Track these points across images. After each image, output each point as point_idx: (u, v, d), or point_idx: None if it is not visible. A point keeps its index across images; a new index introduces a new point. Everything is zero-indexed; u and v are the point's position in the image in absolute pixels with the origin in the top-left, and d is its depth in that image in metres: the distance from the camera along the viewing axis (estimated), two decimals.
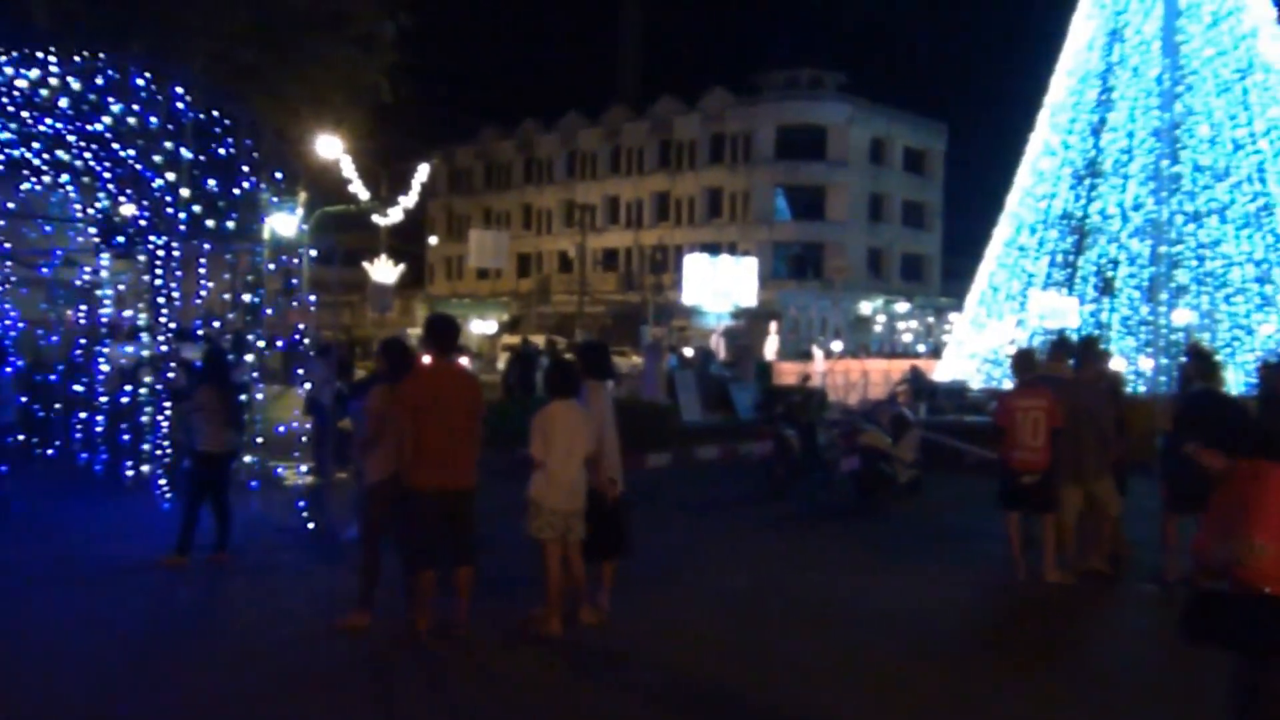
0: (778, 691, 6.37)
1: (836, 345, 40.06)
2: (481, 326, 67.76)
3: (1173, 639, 4.11)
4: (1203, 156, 26.14)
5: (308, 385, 13.12)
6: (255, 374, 12.97)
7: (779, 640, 7.39)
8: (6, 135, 11.75)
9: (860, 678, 6.68)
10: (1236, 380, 24.12)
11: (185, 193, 11.60)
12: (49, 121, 11.37)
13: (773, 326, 38.22)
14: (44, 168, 12.53)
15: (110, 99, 11.12)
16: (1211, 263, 25.94)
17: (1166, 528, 8.97)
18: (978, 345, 29.20)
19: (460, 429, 7.09)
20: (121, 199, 12.33)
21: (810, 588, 8.96)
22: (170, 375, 11.90)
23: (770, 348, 33.99)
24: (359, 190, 31.96)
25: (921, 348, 55.03)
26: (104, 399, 13.09)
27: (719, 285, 26.32)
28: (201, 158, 11.49)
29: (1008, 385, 26.27)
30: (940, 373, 29.00)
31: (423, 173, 36.90)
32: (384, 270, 33.15)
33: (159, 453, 11.85)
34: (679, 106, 65.02)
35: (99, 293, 14.10)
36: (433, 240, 73.00)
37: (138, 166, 11.61)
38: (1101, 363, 10.28)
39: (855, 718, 6.06)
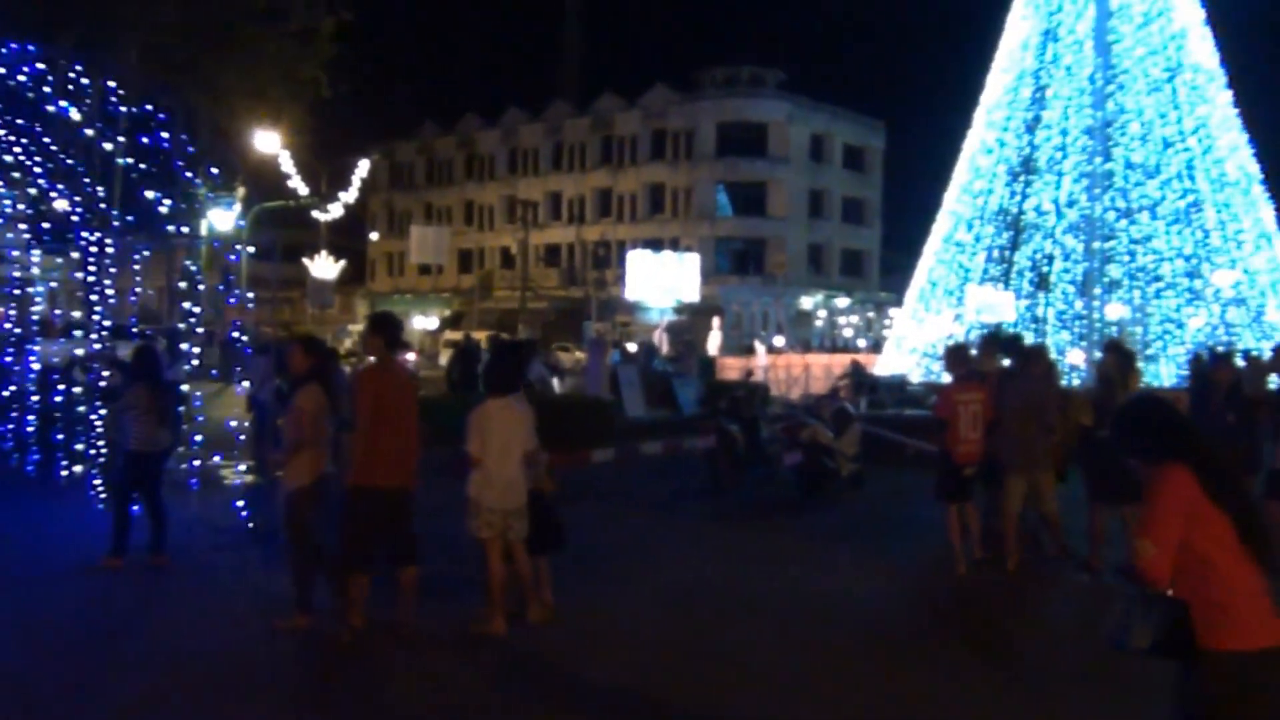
0: (724, 686, 6.40)
1: (779, 340, 40.28)
2: (423, 322, 67.30)
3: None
4: (1134, 154, 26.71)
5: (246, 383, 12.94)
6: (191, 371, 12.75)
7: (724, 634, 7.43)
8: None
9: (806, 670, 6.74)
10: (1168, 373, 24.75)
11: (119, 188, 11.38)
12: None
13: (715, 322, 38.33)
14: None
15: (41, 91, 10.87)
16: (1143, 258, 26.52)
17: (1092, 518, 9.22)
18: (917, 340, 29.58)
19: (409, 428, 7.06)
20: (53, 194, 12.07)
21: (755, 581, 9.02)
22: (104, 374, 11.67)
23: (713, 343, 34.12)
24: (298, 186, 31.59)
25: (862, 342, 55.57)
26: (36, 399, 12.80)
27: (662, 281, 26.36)
28: (135, 152, 11.27)
29: (947, 379, 26.70)
30: (880, 367, 29.33)
31: (363, 168, 36.57)
32: (324, 266, 32.82)
33: (93, 453, 11.61)
34: (620, 103, 65.06)
35: (30, 290, 13.79)
36: (374, 236, 72.33)
37: (70, 161, 11.37)
38: (1047, 360, 10.46)
39: (801, 710, 6.10)
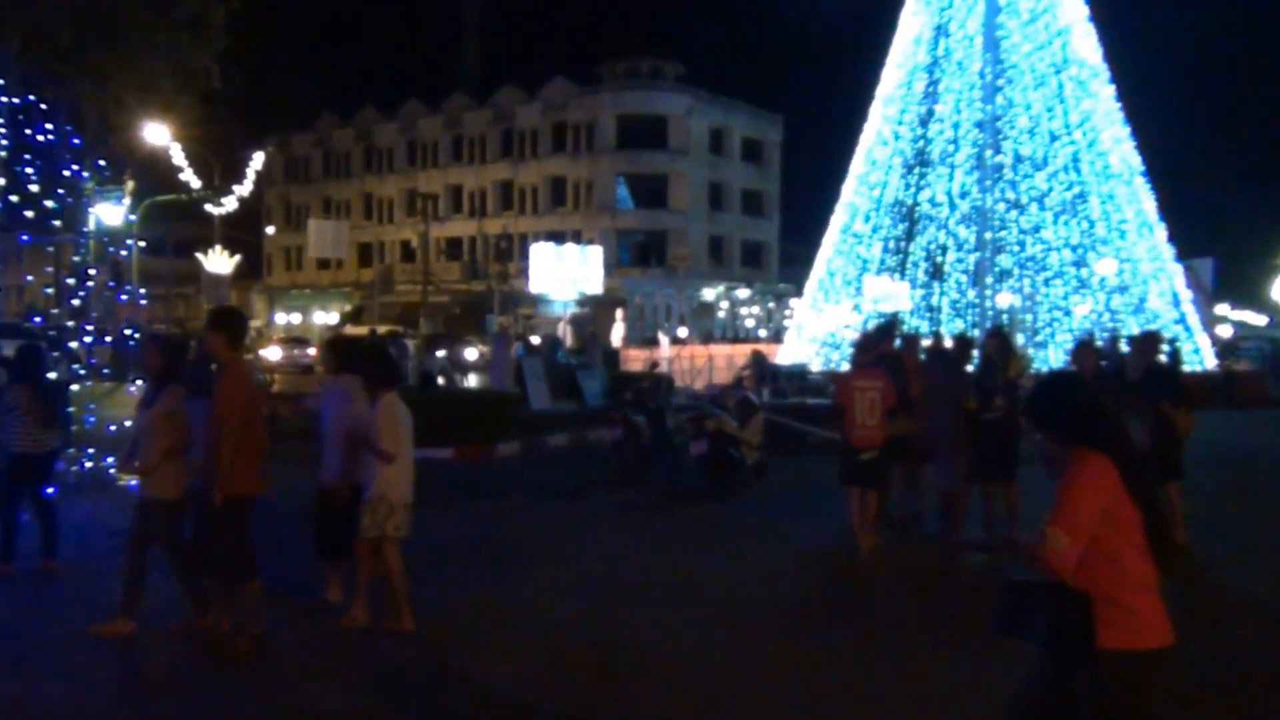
0: (631, 674, 6.45)
1: (682, 331, 40.57)
2: (323, 318, 66.19)
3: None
4: (1023, 147, 27.54)
5: (140, 382, 12.58)
6: (80, 371, 12.36)
7: (633, 624, 7.49)
8: None
9: (703, 652, 6.83)
10: (1057, 359, 25.57)
11: (2, 181, 10.97)
12: None
13: (618, 314, 38.47)
14: None
15: None
16: (1032, 248, 27.37)
17: (985, 500, 9.60)
18: (817, 329, 30.08)
19: (263, 430, 6.87)
20: None
21: (659, 569, 9.10)
22: None
23: (616, 335, 34.22)
24: (190, 179, 30.81)
25: (763, 332, 56.21)
26: None
27: (565, 274, 26.36)
28: (19, 144, 10.88)
29: (846, 368, 27.20)
30: (782, 357, 29.74)
31: (257, 161, 35.80)
32: (219, 261, 32.04)
33: None
34: (521, 96, 64.72)
35: None
36: (270, 230, 70.84)
37: None
38: (968, 350, 10.83)
39: (696, 692, 6.16)
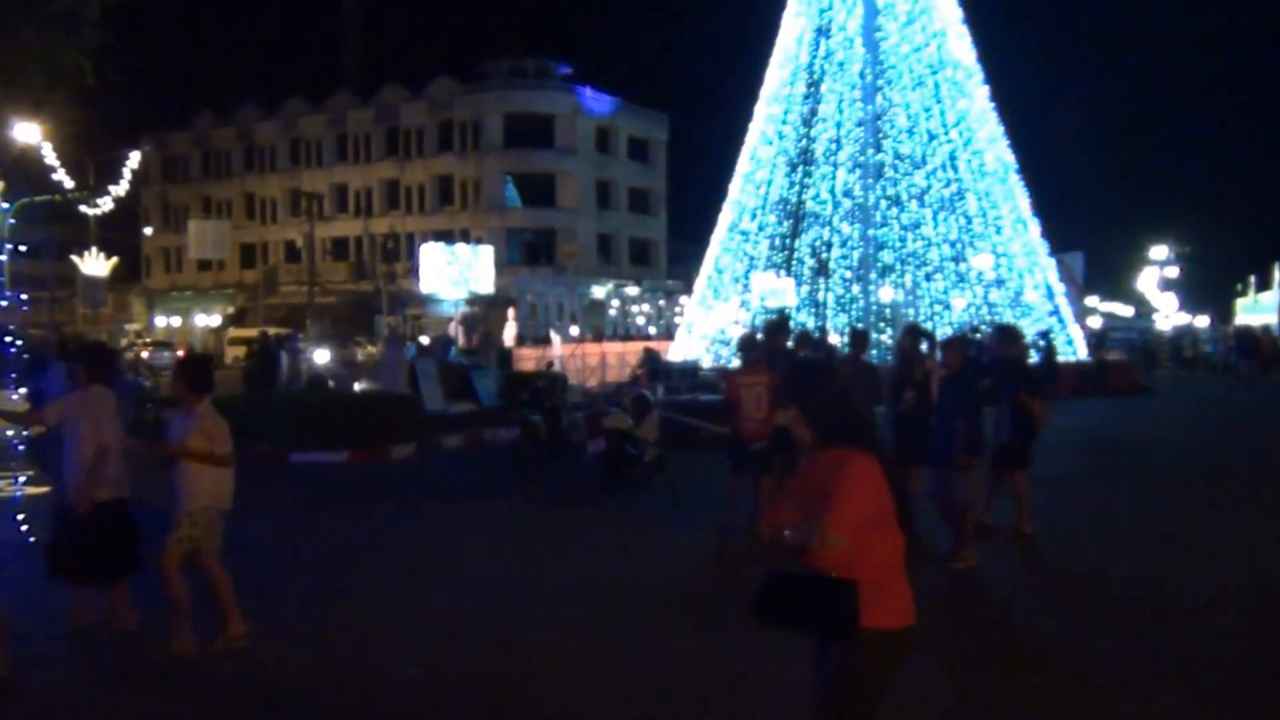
0: (532, 675, 6.47)
1: (574, 330, 40.66)
2: (205, 320, 64.49)
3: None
4: (902, 146, 28.28)
5: (24, 389, 12.18)
6: None
7: (535, 623, 7.52)
8: None
9: (595, 649, 6.88)
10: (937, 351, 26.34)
11: None
12: None
13: (510, 313, 38.36)
14: None
15: None
16: (913, 244, 28.13)
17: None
18: (706, 326, 30.47)
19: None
20: None
21: (558, 567, 9.16)
22: None
23: (509, 334, 34.12)
24: (63, 179, 29.74)
25: (653, 330, 56.70)
26: None
27: (456, 273, 26.15)
28: None
29: (736, 364, 27.65)
30: (673, 354, 30.05)
31: (134, 160, 34.74)
32: (95, 264, 31.02)
33: None
34: (405, 94, 64.00)
35: None
36: (148, 231, 68.71)
37: None
38: (866, 346, 11.15)
39: (615, 694, 6.23)
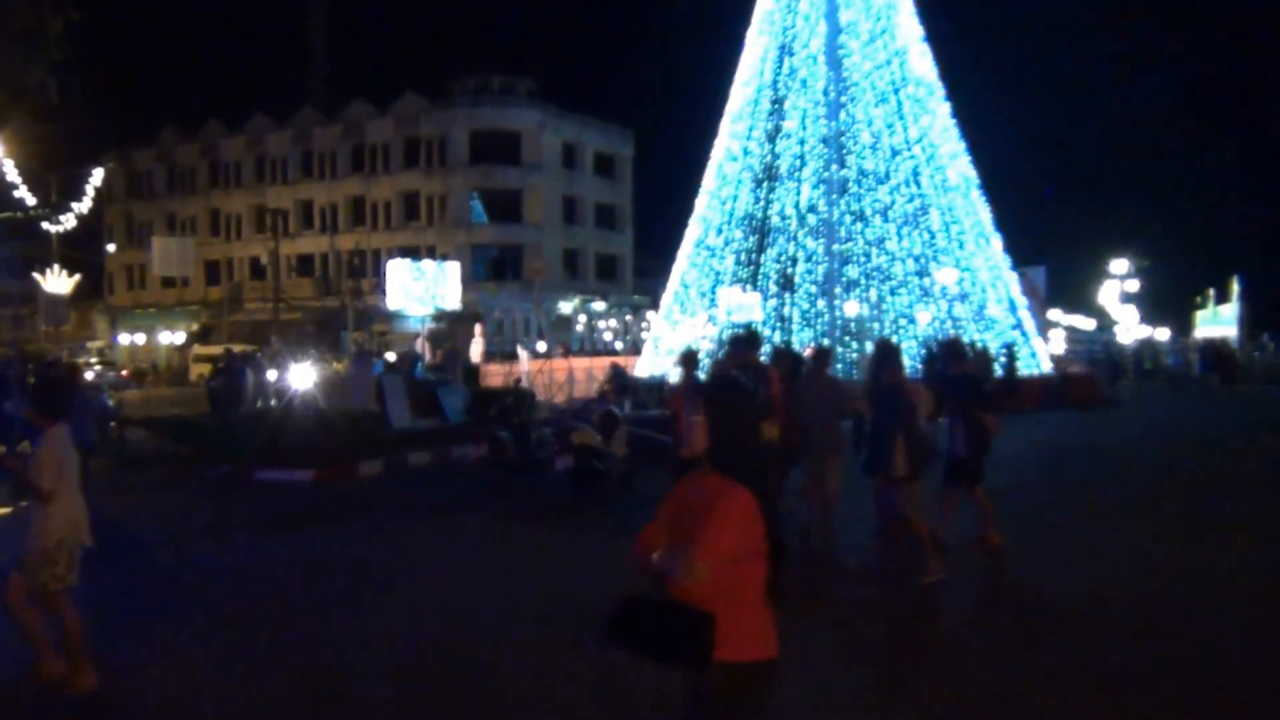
0: (500, 693, 6.47)
1: (541, 346, 40.66)
2: (169, 338, 63.90)
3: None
4: (866, 162, 28.60)
5: None
6: None
7: (500, 642, 7.52)
8: None
9: (582, 669, 6.87)
10: (904, 365, 26.59)
11: None
12: None
13: (477, 329, 38.28)
14: None
15: None
16: (877, 259, 28.41)
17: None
18: (673, 341, 30.58)
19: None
20: None
21: (531, 585, 9.16)
22: None
23: (475, 350, 34.06)
24: (25, 196, 29.49)
25: (620, 345, 56.72)
26: None
27: (423, 290, 26.10)
28: None
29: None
30: (640, 369, 30.14)
31: (97, 177, 34.50)
32: (57, 281, 30.76)
33: None
34: (371, 110, 63.86)
35: None
36: (111, 248, 68.01)
37: None
38: (830, 362, 11.30)
39: (579, 711, 6.25)
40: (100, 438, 15.79)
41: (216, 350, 31.83)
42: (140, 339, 66.49)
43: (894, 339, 26.97)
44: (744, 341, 11.46)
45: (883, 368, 9.90)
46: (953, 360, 10.69)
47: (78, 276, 32.27)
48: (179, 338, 63.16)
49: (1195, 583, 8.85)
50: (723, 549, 3.50)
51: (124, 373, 47.07)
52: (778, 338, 27.17)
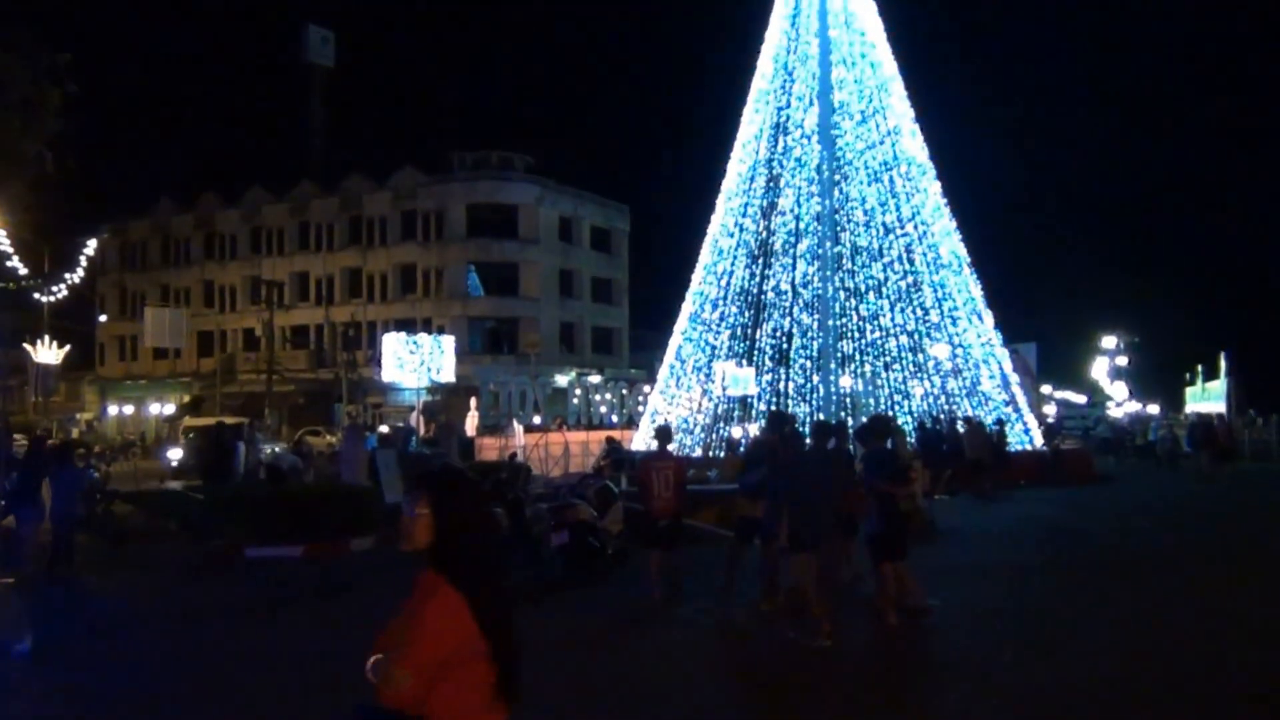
0: None
1: (536, 419, 40.52)
2: (159, 409, 63.66)
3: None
4: (859, 239, 28.83)
5: None
6: None
7: None
8: None
9: None
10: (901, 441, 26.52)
11: None
12: None
13: (472, 402, 38.20)
14: None
15: None
16: (871, 334, 28.50)
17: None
18: (669, 415, 30.52)
19: None
20: None
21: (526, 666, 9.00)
22: None
23: (470, 423, 33.96)
24: (17, 266, 29.58)
25: (616, 418, 56.56)
26: None
27: (418, 363, 26.16)
28: None
29: (699, 453, 27.62)
30: (636, 442, 30.02)
31: (90, 247, 34.63)
32: (47, 352, 30.72)
33: None
34: (369, 184, 64.48)
35: None
36: (102, 318, 68.09)
37: None
38: (828, 438, 11.46)
39: None
40: (88, 511, 15.66)
41: (207, 422, 31.71)
42: (129, 410, 66.30)
43: (889, 413, 27.08)
44: (779, 419, 11.95)
45: (767, 433, 10.72)
46: (871, 437, 10.86)
47: (68, 347, 32.25)
48: (169, 409, 63.01)
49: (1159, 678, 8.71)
50: (422, 655, 3.27)
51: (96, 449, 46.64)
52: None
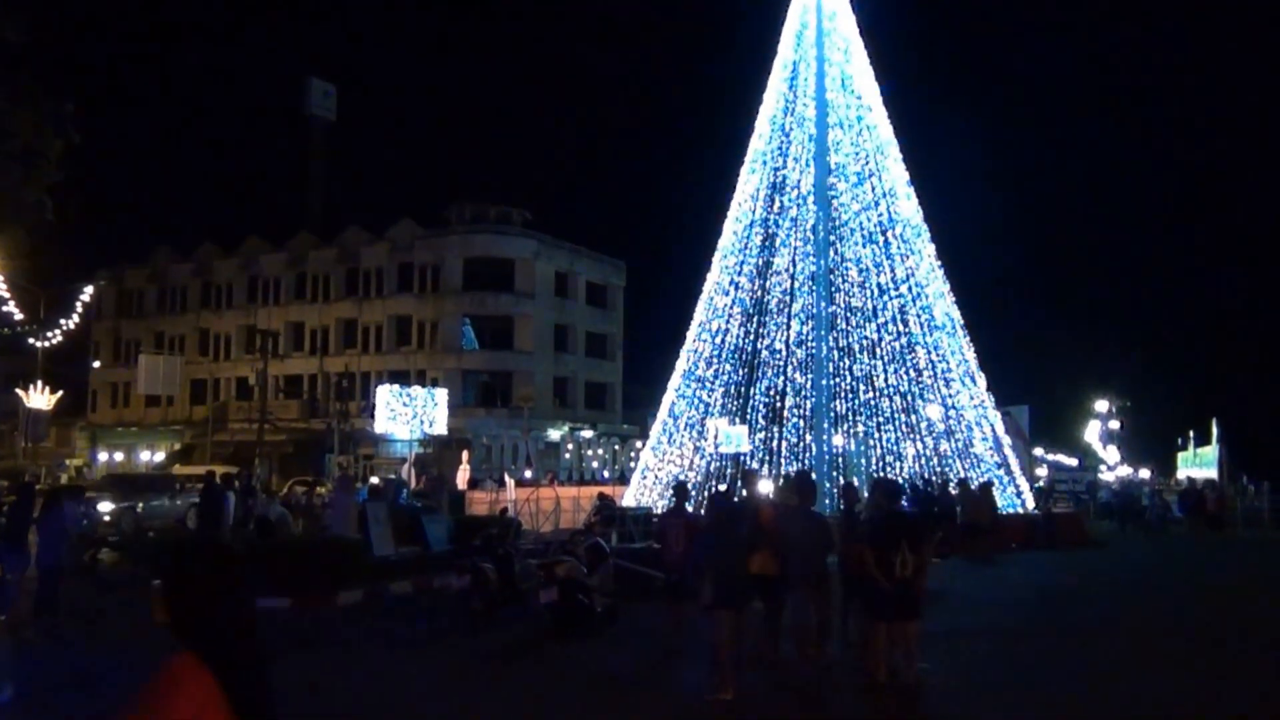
0: None
1: (528, 473, 40.47)
2: (149, 457, 63.41)
3: None
4: (854, 299, 28.95)
5: None
6: None
7: None
8: None
9: None
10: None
11: None
12: None
13: (464, 455, 38.17)
14: None
15: None
16: (865, 394, 28.53)
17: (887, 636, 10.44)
18: (662, 472, 30.47)
19: None
20: None
21: None
22: None
23: (461, 476, 33.88)
24: (13, 311, 29.64)
25: (607, 474, 56.48)
26: None
27: (411, 415, 26.14)
28: None
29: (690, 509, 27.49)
30: (627, 499, 29.95)
31: (87, 294, 34.70)
32: (39, 397, 30.67)
33: None
34: (367, 236, 64.76)
35: None
36: (96, 364, 67.98)
37: None
38: (812, 495, 11.96)
39: None
40: (75, 562, 15.54)
41: (198, 470, 31.55)
42: (119, 457, 65.98)
43: (879, 474, 27.02)
44: (805, 478, 12.17)
45: (677, 501, 12.22)
46: (885, 499, 11.11)
47: (60, 393, 32.21)
48: (159, 456, 62.73)
49: None
50: None
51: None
52: (766, 470, 27.10)
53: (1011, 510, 28.48)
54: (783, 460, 27.99)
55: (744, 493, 12.84)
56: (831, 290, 28.92)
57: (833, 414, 28.35)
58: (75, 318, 35.46)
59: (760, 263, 29.85)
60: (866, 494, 13.14)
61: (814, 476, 16.51)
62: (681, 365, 31.16)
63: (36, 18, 25.87)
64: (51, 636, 13.13)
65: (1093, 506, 39.48)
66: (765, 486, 17.78)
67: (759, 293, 29.67)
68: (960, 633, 13.41)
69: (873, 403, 28.51)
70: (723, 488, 23.61)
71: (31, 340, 33.81)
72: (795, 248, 29.34)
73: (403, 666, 11.51)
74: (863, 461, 27.97)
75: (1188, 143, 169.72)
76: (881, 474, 26.76)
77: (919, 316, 29.22)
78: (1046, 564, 23.17)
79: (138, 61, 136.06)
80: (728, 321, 30.04)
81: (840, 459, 28.33)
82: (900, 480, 23.64)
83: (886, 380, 28.61)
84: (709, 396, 29.92)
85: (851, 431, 28.59)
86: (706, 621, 10.01)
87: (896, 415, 28.51)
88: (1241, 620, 15.56)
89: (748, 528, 10.40)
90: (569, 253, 66.02)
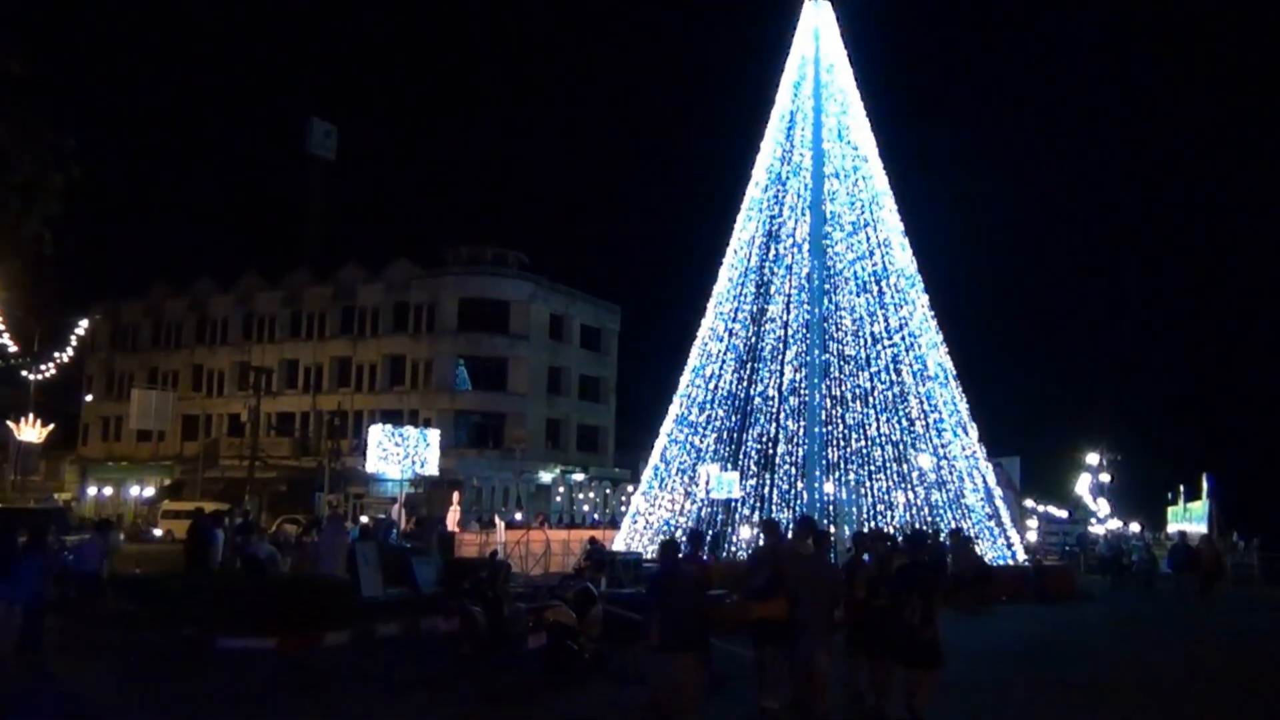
0: None
1: (518, 515, 40.31)
2: (138, 491, 63.10)
3: None
4: (847, 347, 29.05)
5: None
6: None
7: None
8: None
9: None
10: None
11: None
12: None
13: (455, 496, 38.02)
14: None
15: None
16: (856, 442, 28.55)
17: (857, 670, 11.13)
18: (652, 517, 30.39)
19: None
20: None
21: None
22: None
23: (452, 517, 33.71)
24: (7, 343, 29.62)
25: (598, 517, 56.24)
26: None
27: (403, 455, 26.08)
28: None
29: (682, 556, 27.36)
30: (617, 543, 29.84)
31: (81, 327, 34.72)
32: (30, 431, 30.60)
33: None
34: (363, 274, 64.94)
35: None
36: (88, 398, 67.80)
37: None
38: (828, 542, 12.09)
39: None
40: (59, 596, 15.45)
41: (187, 506, 31.43)
42: (109, 491, 65.64)
43: (871, 524, 27.00)
44: (808, 521, 12.22)
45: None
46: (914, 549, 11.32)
47: (51, 426, 32.14)
48: (149, 491, 62.41)
49: None
50: None
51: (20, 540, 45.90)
52: (756, 517, 27.06)
53: (1002, 562, 28.40)
54: (773, 507, 27.94)
55: (762, 540, 12.91)
56: (825, 338, 29.00)
57: (824, 462, 28.34)
58: (69, 350, 35.44)
59: (754, 309, 29.96)
60: (850, 543, 13.20)
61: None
62: (674, 410, 31.17)
63: (39, 51, 26.07)
64: (34, 673, 13.01)
65: (1083, 560, 39.32)
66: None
67: (753, 339, 29.75)
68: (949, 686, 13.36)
69: (864, 451, 28.51)
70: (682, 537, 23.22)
71: (24, 372, 33.75)
72: (789, 295, 29.45)
73: (385, 713, 11.42)
74: (854, 510, 27.94)
75: (1181, 201, 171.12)
76: (873, 523, 26.74)
77: (912, 366, 29.29)
78: (1036, 618, 23.07)
79: (139, 97, 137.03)
80: (721, 367, 30.09)
81: (831, 507, 28.29)
82: (891, 530, 23.59)
83: (879, 429, 28.64)
84: (701, 442, 29.90)
85: (843, 480, 28.56)
86: (648, 661, 9.97)
87: (888, 464, 28.50)
88: (1226, 679, 15.52)
89: (768, 575, 10.48)
90: (564, 295, 66.24)
